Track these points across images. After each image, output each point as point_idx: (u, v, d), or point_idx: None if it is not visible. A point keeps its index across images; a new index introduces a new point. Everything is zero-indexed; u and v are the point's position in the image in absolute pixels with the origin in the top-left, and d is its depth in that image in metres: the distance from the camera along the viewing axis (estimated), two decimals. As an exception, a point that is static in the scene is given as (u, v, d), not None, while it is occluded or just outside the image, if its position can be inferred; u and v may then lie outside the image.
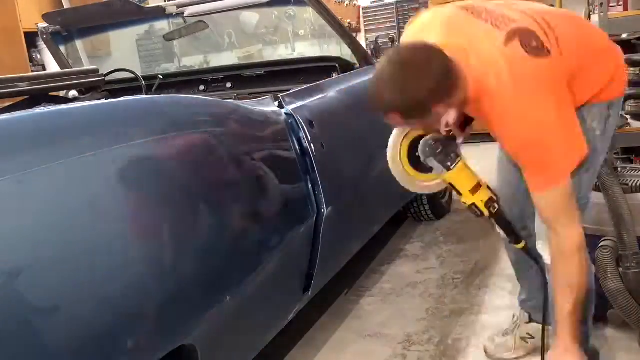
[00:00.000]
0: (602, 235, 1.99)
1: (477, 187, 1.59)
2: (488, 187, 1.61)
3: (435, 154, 1.56)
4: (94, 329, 1.10)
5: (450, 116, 1.43)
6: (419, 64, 1.38)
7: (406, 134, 1.67)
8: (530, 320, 2.01)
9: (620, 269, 1.89)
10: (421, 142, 1.59)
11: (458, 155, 1.57)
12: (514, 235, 1.66)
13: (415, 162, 1.68)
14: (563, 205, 1.49)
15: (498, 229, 1.66)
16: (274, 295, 1.78)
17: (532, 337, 2.00)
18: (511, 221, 1.64)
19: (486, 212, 1.59)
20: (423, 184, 1.73)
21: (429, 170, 1.67)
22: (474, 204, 1.59)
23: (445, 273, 2.76)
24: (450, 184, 1.60)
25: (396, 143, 1.68)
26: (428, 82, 1.36)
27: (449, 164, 1.56)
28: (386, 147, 1.68)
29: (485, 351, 2.06)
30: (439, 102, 1.39)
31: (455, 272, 2.75)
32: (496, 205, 1.60)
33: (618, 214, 1.90)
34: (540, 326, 1.85)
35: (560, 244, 1.52)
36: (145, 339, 1.20)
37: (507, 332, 2.06)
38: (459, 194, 1.60)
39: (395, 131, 1.68)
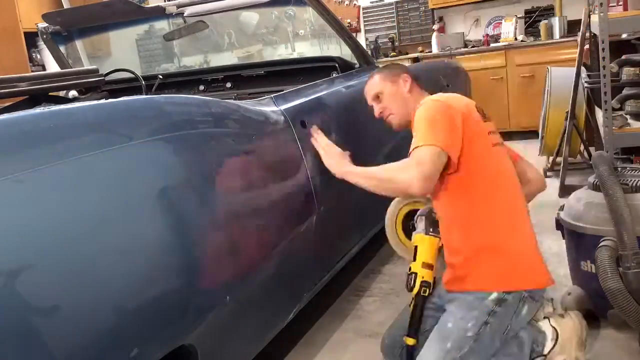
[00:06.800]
0: (602, 235, 1.99)
1: (430, 267, 1.74)
2: (434, 278, 1.74)
3: (430, 217, 1.79)
4: (94, 329, 1.10)
5: (401, 97, 1.87)
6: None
7: (401, 208, 2.01)
8: None
9: (620, 269, 1.89)
10: (429, 209, 1.83)
11: (438, 235, 1.76)
12: (414, 330, 1.70)
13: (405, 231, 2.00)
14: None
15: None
16: (274, 295, 1.78)
17: None
18: (421, 320, 1.71)
19: (416, 289, 1.71)
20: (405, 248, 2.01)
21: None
22: (415, 273, 1.72)
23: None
24: (415, 247, 1.77)
25: (393, 213, 2.02)
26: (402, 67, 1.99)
27: (430, 229, 1.77)
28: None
29: None
30: (406, 74, 1.89)
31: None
32: (427, 292, 1.71)
33: (618, 214, 1.90)
34: None
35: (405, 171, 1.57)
36: (145, 338, 1.20)
37: None
38: (414, 259, 1.75)
39: (392, 204, 2.03)
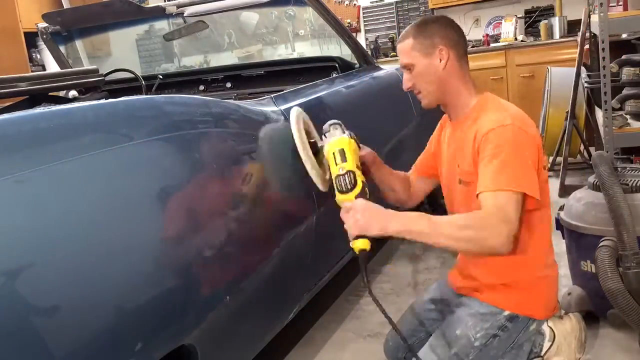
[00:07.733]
0: (602, 235, 1.99)
1: (359, 167, 1.52)
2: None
3: (341, 124, 1.60)
4: (94, 329, 1.10)
5: (434, 76, 1.52)
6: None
7: (301, 129, 1.73)
8: None
9: (620, 269, 1.89)
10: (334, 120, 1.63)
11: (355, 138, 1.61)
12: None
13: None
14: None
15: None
16: (274, 294, 1.78)
17: None
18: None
19: (359, 186, 1.45)
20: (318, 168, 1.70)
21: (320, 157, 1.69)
22: (352, 171, 1.47)
23: (445, 273, 2.76)
24: (342, 149, 1.50)
25: (304, 140, 1.72)
26: (446, 28, 1.53)
27: (352, 133, 1.58)
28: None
29: None
30: (445, 46, 1.50)
31: (455, 272, 2.74)
32: (367, 194, 1.47)
33: (618, 214, 1.90)
34: None
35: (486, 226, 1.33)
36: (145, 338, 1.20)
37: None
38: (342, 159, 1.49)
39: (295, 131, 1.72)
